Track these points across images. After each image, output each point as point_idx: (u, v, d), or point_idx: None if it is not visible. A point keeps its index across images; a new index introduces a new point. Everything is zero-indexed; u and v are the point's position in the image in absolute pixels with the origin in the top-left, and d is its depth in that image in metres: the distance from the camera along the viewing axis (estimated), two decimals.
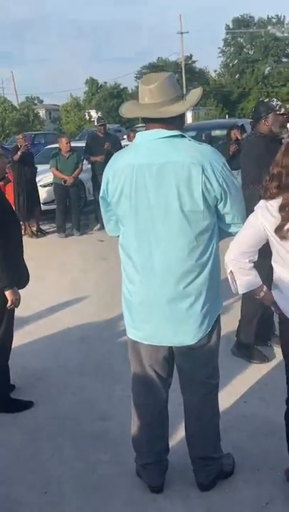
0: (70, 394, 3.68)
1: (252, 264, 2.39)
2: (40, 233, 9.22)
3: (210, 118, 34.19)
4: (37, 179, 9.36)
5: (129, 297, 2.45)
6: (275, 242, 2.26)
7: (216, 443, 2.64)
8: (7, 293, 3.26)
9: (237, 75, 55.47)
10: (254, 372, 3.79)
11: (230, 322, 3.92)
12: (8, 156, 8.46)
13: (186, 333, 2.37)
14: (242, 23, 57.43)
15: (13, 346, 3.60)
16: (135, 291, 2.41)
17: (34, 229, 9.15)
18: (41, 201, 9.42)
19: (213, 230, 2.34)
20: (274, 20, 57.00)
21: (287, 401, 2.52)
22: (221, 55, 58.12)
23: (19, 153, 8.65)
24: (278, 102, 3.90)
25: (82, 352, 4.34)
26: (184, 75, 41.30)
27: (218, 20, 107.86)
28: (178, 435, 2.87)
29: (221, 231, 2.41)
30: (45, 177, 9.71)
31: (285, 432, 2.54)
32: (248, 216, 2.36)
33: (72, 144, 9.62)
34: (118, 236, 2.50)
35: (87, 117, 42.91)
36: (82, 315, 5.13)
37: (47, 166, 9.25)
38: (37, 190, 9.26)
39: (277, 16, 56.80)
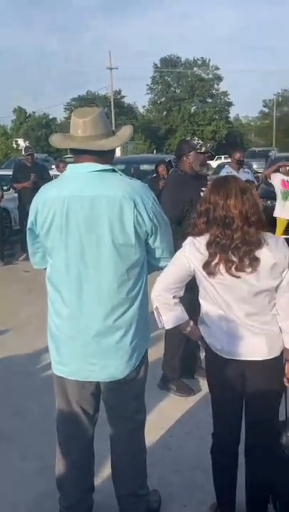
0: None
1: (177, 300, 2.41)
2: None
3: (138, 152, 34.92)
4: None
5: (55, 331, 2.40)
6: (203, 279, 2.31)
7: (143, 479, 2.60)
8: None
9: (164, 112, 57.37)
10: (180, 406, 3.80)
11: (155, 355, 3.93)
12: None
13: (115, 368, 2.34)
14: (169, 62, 59.69)
15: None
16: (63, 326, 2.36)
17: None
18: None
19: (143, 264, 2.35)
20: (199, 62, 59.72)
21: (213, 435, 2.54)
22: (149, 91, 59.96)
23: None
24: (199, 141, 3.99)
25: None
26: (112, 109, 42.03)
27: (146, 59, 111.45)
28: (103, 473, 2.81)
29: (149, 265, 2.43)
30: None
31: (210, 465, 2.55)
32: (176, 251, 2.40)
33: None
34: (44, 268, 2.46)
35: (14, 146, 42.43)
36: (3, 347, 4.96)
37: None
38: None
39: (202, 58, 59.65)
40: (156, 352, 4.07)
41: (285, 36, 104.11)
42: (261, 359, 2.32)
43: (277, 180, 8.34)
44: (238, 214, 2.21)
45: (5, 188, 9.93)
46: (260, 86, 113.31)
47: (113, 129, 2.40)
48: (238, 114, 67.52)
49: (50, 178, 8.59)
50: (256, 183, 9.37)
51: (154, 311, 2.42)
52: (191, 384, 4.04)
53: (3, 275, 8.24)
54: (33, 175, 8.76)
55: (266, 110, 65.09)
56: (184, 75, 58.60)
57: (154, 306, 2.41)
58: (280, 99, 62.49)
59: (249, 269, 2.20)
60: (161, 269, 2.46)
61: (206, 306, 2.38)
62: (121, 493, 2.56)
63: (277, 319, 2.34)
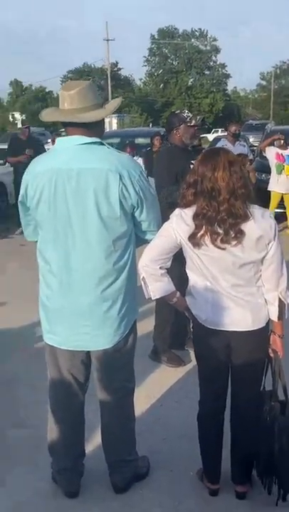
0: None
1: (164, 271, 2.45)
2: None
3: (135, 125, 34.58)
4: None
5: (46, 302, 2.45)
6: (189, 250, 2.34)
7: (132, 446, 2.68)
8: None
9: (161, 85, 56.50)
10: (170, 376, 3.88)
11: (146, 328, 3.99)
12: None
13: (103, 337, 2.40)
14: (167, 34, 58.62)
15: None
16: (52, 296, 2.41)
17: None
18: None
19: (130, 236, 2.39)
20: (197, 34, 58.67)
21: (199, 402, 2.61)
22: (146, 64, 58.98)
23: None
24: (189, 114, 3.98)
25: None
26: (109, 82, 41.49)
27: (143, 30, 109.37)
28: (94, 440, 2.89)
29: (137, 238, 2.47)
30: None
31: (196, 433, 2.63)
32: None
33: None
34: (37, 241, 2.50)
35: (11, 119, 41.98)
36: (0, 319, 5.02)
37: None
38: None
39: (200, 29, 58.59)
40: (147, 324, 4.14)
41: (285, 8, 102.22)
42: (246, 330, 2.37)
43: (271, 153, 8.30)
44: (224, 186, 2.23)
45: (0, 162, 9.88)
46: (258, 58, 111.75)
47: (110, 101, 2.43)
48: (235, 87, 66.63)
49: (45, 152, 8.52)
50: (251, 156, 9.32)
51: (141, 282, 2.46)
52: (182, 355, 4.12)
53: (0, 249, 8.27)
54: (28, 150, 8.71)
55: (264, 83, 64.34)
56: (181, 46, 57.62)
57: (141, 277, 2.45)
58: (278, 72, 61.75)
59: (234, 242, 2.24)
60: (148, 242, 2.49)
61: (193, 277, 2.42)
62: (110, 459, 2.65)
63: (262, 291, 2.38)
